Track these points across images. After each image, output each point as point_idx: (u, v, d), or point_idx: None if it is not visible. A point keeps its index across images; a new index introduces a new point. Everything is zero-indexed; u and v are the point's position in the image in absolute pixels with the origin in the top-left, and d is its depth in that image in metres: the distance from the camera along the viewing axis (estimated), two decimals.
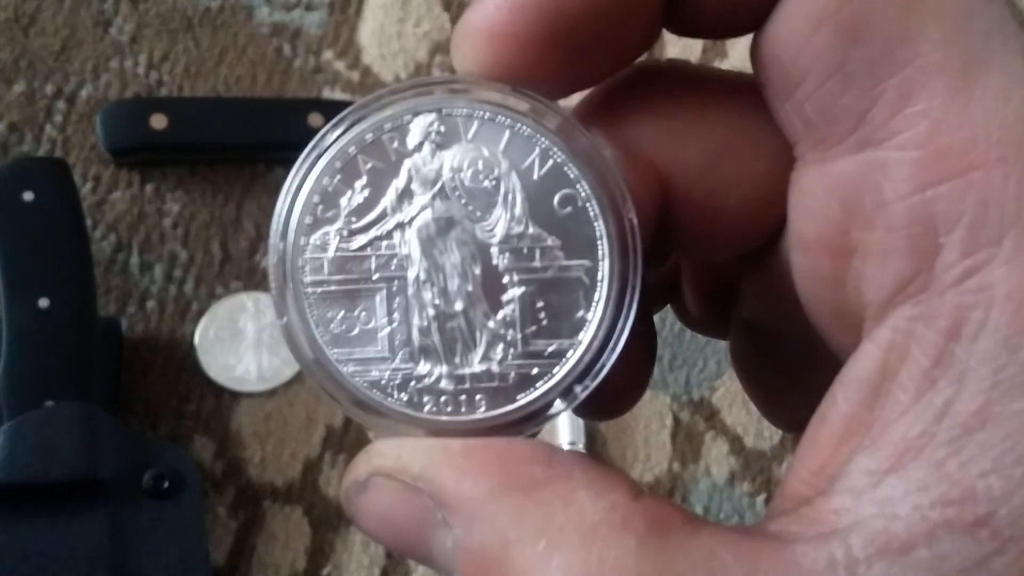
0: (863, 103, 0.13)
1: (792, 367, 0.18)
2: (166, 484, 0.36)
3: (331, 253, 0.14)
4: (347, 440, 0.41)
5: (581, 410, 0.15)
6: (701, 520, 0.13)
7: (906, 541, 0.13)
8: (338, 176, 0.15)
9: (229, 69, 0.46)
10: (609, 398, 0.15)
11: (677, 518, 0.13)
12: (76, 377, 0.36)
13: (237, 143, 0.44)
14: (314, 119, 0.45)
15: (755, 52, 0.15)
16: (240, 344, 0.42)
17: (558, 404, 0.14)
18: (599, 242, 0.14)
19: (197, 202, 0.44)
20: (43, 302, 0.35)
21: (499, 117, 0.14)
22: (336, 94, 0.47)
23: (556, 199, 0.14)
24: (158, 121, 0.42)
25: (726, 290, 0.18)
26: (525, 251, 0.14)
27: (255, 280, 0.43)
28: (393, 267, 0.14)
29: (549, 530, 0.12)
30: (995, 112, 0.13)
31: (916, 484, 0.13)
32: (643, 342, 0.16)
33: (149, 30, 0.46)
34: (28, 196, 0.36)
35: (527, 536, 0.12)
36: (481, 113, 0.15)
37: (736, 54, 0.55)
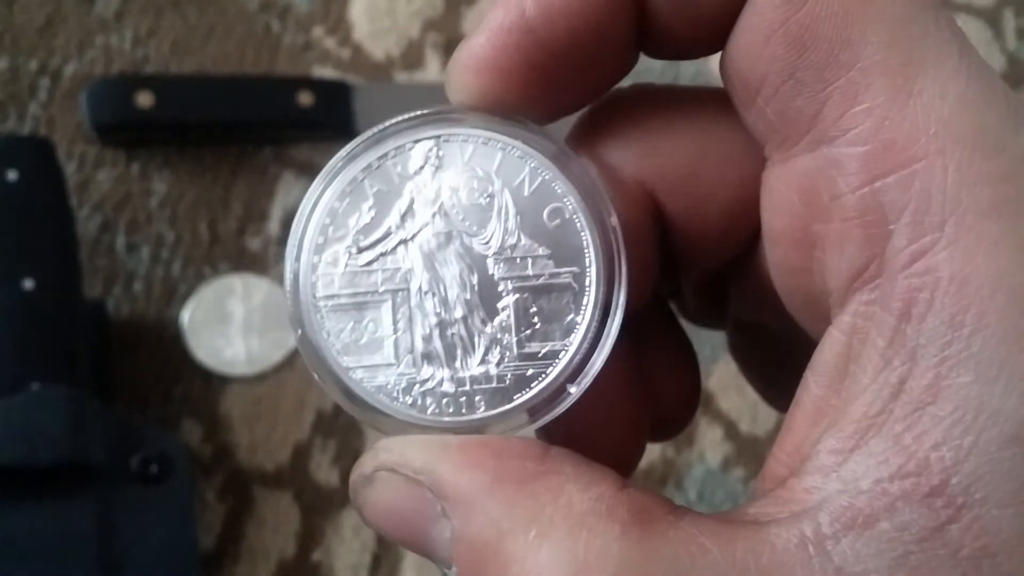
0: (814, 105, 0.15)
1: (783, 357, 0.19)
2: (154, 468, 0.36)
3: (341, 269, 0.15)
4: (337, 425, 0.41)
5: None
6: (683, 509, 0.14)
7: (869, 515, 0.13)
8: (347, 199, 0.16)
9: (217, 46, 0.46)
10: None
11: (660, 507, 0.14)
12: (62, 360, 0.35)
13: (225, 121, 0.43)
14: (304, 97, 0.44)
15: (722, 66, 0.16)
16: (228, 327, 0.41)
17: (554, 403, 0.15)
18: (586, 251, 0.15)
19: (184, 182, 0.43)
20: (28, 283, 0.35)
21: (491, 141, 0.16)
22: (326, 72, 0.47)
23: (545, 213, 0.16)
24: (144, 99, 0.41)
25: (720, 290, 0.20)
26: (518, 261, 0.15)
27: (244, 261, 0.42)
28: (398, 280, 0.15)
29: (540, 520, 0.13)
30: (933, 107, 0.14)
31: (877, 459, 0.14)
32: (630, 343, 0.17)
33: (135, 5, 0.45)
34: (12, 175, 0.36)
35: (519, 526, 0.13)
36: (475, 138, 0.16)
37: None
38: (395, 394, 0.15)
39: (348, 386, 0.15)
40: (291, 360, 0.41)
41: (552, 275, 0.15)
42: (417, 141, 0.16)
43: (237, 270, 0.42)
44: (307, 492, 0.40)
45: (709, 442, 0.45)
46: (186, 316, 0.41)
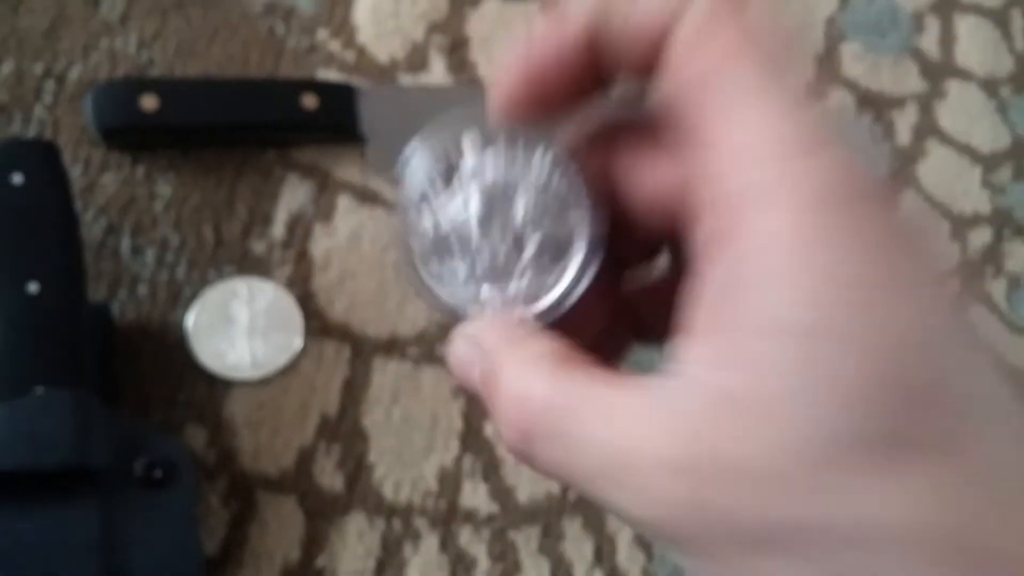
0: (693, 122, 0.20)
1: None
2: (158, 473, 0.36)
3: (427, 228, 0.24)
4: (341, 429, 0.41)
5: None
6: (611, 370, 0.20)
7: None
8: (425, 179, 0.24)
9: (221, 49, 0.45)
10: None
11: (589, 363, 0.20)
12: (66, 363, 0.35)
13: (230, 124, 0.43)
14: (308, 100, 0.44)
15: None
16: (233, 330, 0.41)
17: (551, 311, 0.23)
18: (582, 214, 0.23)
19: (189, 185, 0.43)
20: (32, 287, 0.35)
21: (518, 138, 0.23)
22: (330, 74, 0.46)
23: (553, 190, 0.23)
24: (149, 102, 0.41)
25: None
26: (540, 218, 0.23)
27: (248, 265, 0.42)
28: (463, 232, 0.23)
29: (516, 359, 0.21)
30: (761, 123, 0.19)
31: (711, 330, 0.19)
32: (604, 291, 0.24)
33: (139, 8, 0.45)
34: (17, 179, 0.36)
35: (506, 364, 0.21)
36: (507, 134, 0.23)
37: None
38: (465, 306, 0.23)
39: (439, 300, 0.23)
40: (295, 364, 0.41)
41: (558, 227, 0.23)
42: (467, 133, 0.24)
43: (241, 273, 0.42)
44: (311, 497, 0.40)
45: None
46: (190, 320, 0.41)
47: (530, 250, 0.23)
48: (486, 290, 0.23)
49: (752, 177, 0.18)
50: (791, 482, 0.17)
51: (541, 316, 0.23)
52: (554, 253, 0.23)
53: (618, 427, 0.19)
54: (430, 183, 0.24)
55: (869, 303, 0.17)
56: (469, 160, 0.23)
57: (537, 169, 0.23)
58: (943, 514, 0.17)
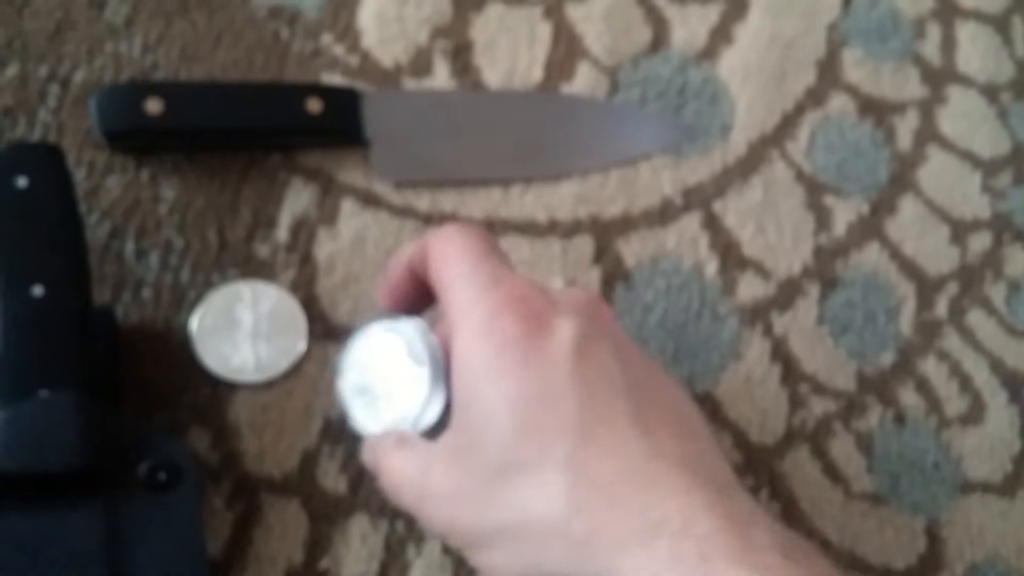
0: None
1: None
2: (162, 476, 0.36)
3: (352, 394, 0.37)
4: (345, 432, 0.41)
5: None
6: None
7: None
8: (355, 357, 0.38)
9: (226, 52, 0.46)
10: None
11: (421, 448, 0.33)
12: (71, 366, 0.35)
13: (234, 128, 0.43)
14: (312, 104, 0.44)
15: None
16: (237, 334, 0.41)
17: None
18: (429, 366, 0.34)
19: (193, 188, 0.43)
20: (37, 290, 0.35)
21: (392, 329, 0.36)
22: (335, 79, 0.47)
23: (415, 355, 0.34)
24: (154, 105, 0.41)
25: None
26: (402, 377, 0.35)
27: (252, 268, 0.42)
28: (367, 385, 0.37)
29: (388, 455, 0.34)
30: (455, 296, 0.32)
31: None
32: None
33: (144, 12, 0.45)
34: (22, 182, 0.36)
35: (383, 459, 0.34)
36: (385, 328, 0.36)
37: (741, 40, 0.55)
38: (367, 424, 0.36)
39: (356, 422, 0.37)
40: (299, 367, 0.41)
41: (416, 379, 0.34)
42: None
43: (245, 277, 0.42)
44: (315, 499, 0.40)
45: None
46: (194, 323, 0.41)
47: (401, 397, 0.34)
48: (384, 418, 0.35)
49: (454, 347, 0.31)
50: (473, 499, 0.29)
51: (417, 429, 0.33)
52: (409, 393, 0.34)
53: (425, 478, 0.31)
54: (349, 361, 0.37)
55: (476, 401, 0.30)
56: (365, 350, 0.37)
57: (408, 341, 0.34)
58: (554, 504, 0.27)
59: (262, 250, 0.43)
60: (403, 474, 0.32)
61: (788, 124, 0.53)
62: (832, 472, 0.46)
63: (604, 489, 0.27)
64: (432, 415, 0.33)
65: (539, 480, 0.27)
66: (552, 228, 0.47)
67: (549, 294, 0.31)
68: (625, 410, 0.28)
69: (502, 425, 0.28)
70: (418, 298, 0.35)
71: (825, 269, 0.50)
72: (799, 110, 0.53)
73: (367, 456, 0.35)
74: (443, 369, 0.33)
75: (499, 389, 0.28)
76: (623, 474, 0.27)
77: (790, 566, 0.24)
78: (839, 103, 0.54)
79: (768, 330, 0.48)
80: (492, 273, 0.31)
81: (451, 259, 0.32)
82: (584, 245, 0.47)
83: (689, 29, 0.53)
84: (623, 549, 0.26)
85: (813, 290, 0.50)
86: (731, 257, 0.49)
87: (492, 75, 0.49)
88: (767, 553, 0.25)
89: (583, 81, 0.50)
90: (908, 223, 0.53)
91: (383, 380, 0.35)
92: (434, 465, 0.30)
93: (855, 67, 0.55)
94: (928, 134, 0.55)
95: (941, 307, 0.51)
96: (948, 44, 0.58)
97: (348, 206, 0.45)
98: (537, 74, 0.50)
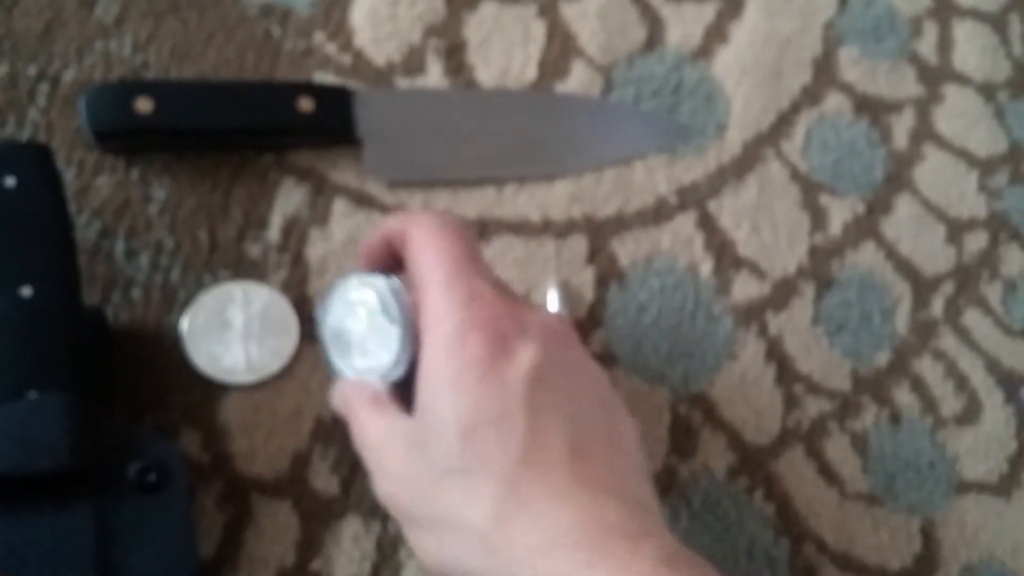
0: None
1: None
2: (152, 477, 0.36)
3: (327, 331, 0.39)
4: (336, 433, 0.41)
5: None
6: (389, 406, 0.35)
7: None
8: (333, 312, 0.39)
9: (217, 51, 0.45)
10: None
11: (391, 402, 0.35)
12: (60, 367, 0.35)
13: (225, 127, 0.43)
14: (304, 103, 0.44)
15: None
16: (228, 334, 0.41)
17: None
18: (400, 325, 0.36)
19: (184, 188, 0.43)
20: (26, 291, 0.35)
21: (367, 282, 0.37)
22: (327, 77, 0.46)
23: (389, 309, 0.36)
24: (144, 104, 0.41)
25: None
26: (376, 328, 0.37)
27: (243, 268, 0.42)
28: (342, 335, 0.38)
29: (360, 405, 0.36)
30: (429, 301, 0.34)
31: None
32: None
33: (135, 11, 0.45)
34: (10, 182, 0.36)
35: (354, 406, 0.36)
36: (359, 280, 0.38)
37: (736, 39, 0.54)
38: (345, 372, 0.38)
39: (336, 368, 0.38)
40: (290, 368, 0.41)
41: (387, 328, 0.36)
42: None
43: (236, 277, 0.42)
44: (306, 500, 0.40)
45: (712, 452, 0.45)
46: (185, 323, 0.40)
47: (374, 347, 0.37)
48: (356, 365, 0.37)
49: (423, 351, 0.33)
50: (417, 486, 0.32)
51: (386, 382, 0.36)
52: (383, 340, 0.36)
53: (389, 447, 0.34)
54: (326, 310, 0.38)
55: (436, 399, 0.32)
56: (346, 295, 0.38)
57: (377, 301, 0.37)
58: (483, 511, 0.30)
59: (253, 250, 0.43)
60: (366, 435, 0.34)
61: (783, 123, 0.52)
62: (827, 472, 0.46)
63: (527, 506, 0.30)
64: (399, 371, 0.35)
65: (474, 489, 0.30)
66: (546, 228, 0.47)
67: (519, 314, 0.33)
68: (564, 438, 0.31)
69: (452, 433, 0.31)
70: (393, 264, 0.37)
71: (820, 269, 0.50)
72: (795, 109, 0.53)
73: (337, 399, 0.37)
74: (412, 329, 0.35)
75: (456, 402, 0.31)
76: (547, 495, 0.30)
77: (667, 572, 0.28)
78: (835, 102, 0.54)
79: (763, 330, 0.48)
80: (467, 287, 0.33)
81: (430, 260, 0.34)
82: (578, 245, 0.47)
83: (684, 28, 0.53)
84: (530, 558, 0.29)
85: (808, 290, 0.49)
86: (726, 257, 0.49)
87: (486, 74, 0.49)
88: (647, 561, 0.28)
89: (577, 80, 0.50)
90: (904, 222, 0.52)
91: (356, 331, 0.37)
92: (395, 442, 0.33)
93: (851, 66, 0.55)
94: (924, 133, 0.55)
95: (937, 307, 0.51)
96: (945, 43, 0.58)
97: (340, 206, 0.44)
98: (531, 73, 0.50)
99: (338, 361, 0.38)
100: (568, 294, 0.45)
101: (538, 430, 0.31)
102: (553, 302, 0.39)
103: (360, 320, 0.37)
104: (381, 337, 0.36)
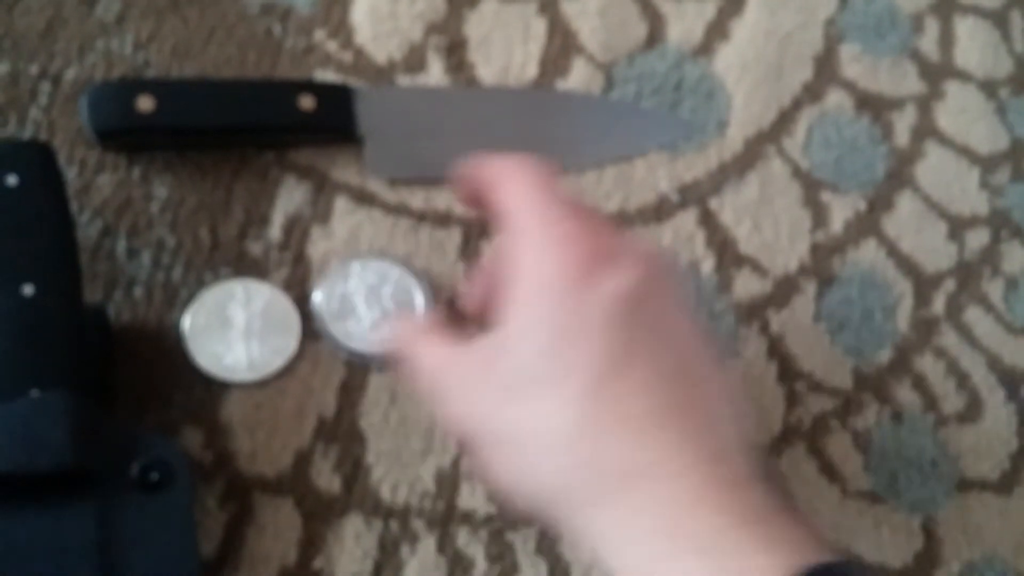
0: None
1: None
2: (155, 475, 0.36)
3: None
4: (338, 431, 0.41)
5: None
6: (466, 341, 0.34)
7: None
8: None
9: (218, 50, 0.45)
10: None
11: (452, 339, 0.35)
12: (62, 366, 0.35)
13: (226, 125, 0.43)
14: (305, 101, 0.44)
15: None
16: (229, 333, 0.41)
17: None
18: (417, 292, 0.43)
19: (185, 186, 0.43)
20: (28, 289, 0.35)
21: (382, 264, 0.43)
22: (328, 75, 0.46)
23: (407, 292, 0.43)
24: (145, 103, 0.41)
25: None
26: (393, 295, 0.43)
27: (245, 266, 0.42)
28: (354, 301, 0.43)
29: (416, 340, 0.36)
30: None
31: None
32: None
33: (135, 10, 0.45)
34: (12, 180, 0.36)
35: (411, 344, 0.36)
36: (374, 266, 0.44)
37: (737, 36, 0.54)
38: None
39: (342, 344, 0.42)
40: (292, 366, 0.41)
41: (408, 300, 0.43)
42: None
43: (238, 275, 0.42)
44: (308, 499, 0.40)
45: None
46: (187, 322, 0.41)
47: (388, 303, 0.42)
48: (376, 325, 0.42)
49: (520, 256, 0.32)
50: (494, 398, 0.32)
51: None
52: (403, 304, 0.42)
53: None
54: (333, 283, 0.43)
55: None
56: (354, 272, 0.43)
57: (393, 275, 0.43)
58: (567, 417, 0.30)
59: (255, 248, 0.43)
60: (428, 362, 0.34)
61: (785, 120, 0.52)
62: (829, 470, 0.46)
63: (611, 424, 0.30)
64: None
65: (559, 397, 0.30)
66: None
67: (627, 239, 0.33)
68: (651, 368, 0.31)
69: (541, 339, 0.31)
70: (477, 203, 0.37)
71: (822, 266, 0.50)
72: (796, 106, 0.53)
73: (391, 340, 0.37)
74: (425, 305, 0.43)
75: (549, 309, 0.31)
76: (631, 417, 0.30)
77: (772, 519, 0.28)
78: (836, 99, 0.54)
79: (764, 327, 0.48)
80: (567, 203, 0.33)
81: (528, 186, 0.33)
82: None
83: (685, 25, 0.53)
84: (612, 484, 0.29)
85: (810, 287, 0.49)
86: (727, 254, 0.49)
87: (486, 71, 0.49)
88: (755, 511, 0.28)
89: (578, 77, 0.50)
90: (905, 220, 0.52)
91: (366, 308, 0.42)
92: (461, 362, 0.33)
93: (852, 63, 0.55)
94: (926, 130, 0.55)
95: (938, 304, 0.51)
96: (946, 39, 0.58)
97: (341, 204, 0.44)
98: (532, 70, 0.50)
99: (344, 336, 0.42)
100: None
101: (625, 351, 0.30)
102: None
103: (369, 300, 0.42)
104: (383, 311, 0.42)
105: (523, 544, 0.41)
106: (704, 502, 0.28)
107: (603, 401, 0.30)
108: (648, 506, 0.29)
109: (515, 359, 0.31)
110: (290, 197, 0.44)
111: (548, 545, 0.41)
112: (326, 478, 0.40)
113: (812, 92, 0.54)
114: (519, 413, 0.31)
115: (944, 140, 0.55)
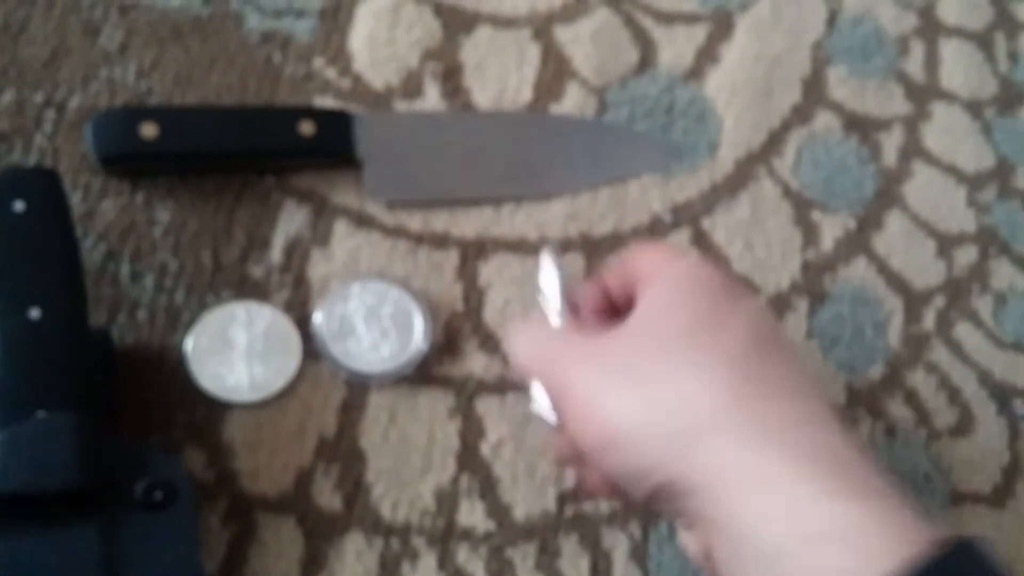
0: None
1: None
2: (158, 495, 0.36)
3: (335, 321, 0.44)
4: (339, 450, 0.41)
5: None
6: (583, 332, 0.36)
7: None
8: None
9: (219, 77, 0.46)
10: None
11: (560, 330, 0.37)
12: (68, 388, 0.35)
13: (228, 151, 0.44)
14: (305, 127, 0.44)
15: None
16: (231, 354, 0.41)
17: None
18: (417, 317, 0.44)
19: (188, 211, 0.44)
20: (34, 313, 0.35)
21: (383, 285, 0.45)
22: (327, 101, 0.47)
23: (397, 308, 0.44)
24: (148, 130, 0.42)
25: None
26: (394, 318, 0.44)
27: (246, 289, 0.43)
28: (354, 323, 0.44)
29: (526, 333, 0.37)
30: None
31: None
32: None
33: (138, 38, 0.46)
34: (19, 206, 0.36)
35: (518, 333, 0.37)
36: (372, 286, 0.45)
37: (727, 60, 0.55)
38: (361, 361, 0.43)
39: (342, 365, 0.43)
40: (293, 386, 0.42)
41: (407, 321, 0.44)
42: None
43: (240, 297, 0.43)
44: (310, 517, 0.40)
45: None
46: (189, 343, 0.41)
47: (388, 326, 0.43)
48: (380, 350, 0.43)
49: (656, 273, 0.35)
50: (633, 384, 0.32)
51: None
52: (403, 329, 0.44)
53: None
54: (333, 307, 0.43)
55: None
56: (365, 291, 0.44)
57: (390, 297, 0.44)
58: (726, 402, 0.31)
59: (256, 271, 0.43)
60: (536, 342, 0.36)
61: (774, 141, 0.53)
62: None
63: (762, 385, 0.31)
64: (424, 346, 0.44)
65: (707, 371, 0.31)
66: (543, 246, 0.47)
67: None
68: (786, 361, 0.32)
69: (685, 317, 0.32)
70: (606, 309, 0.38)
71: (813, 284, 0.51)
72: (785, 127, 0.54)
73: (514, 346, 0.37)
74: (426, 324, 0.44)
75: (693, 296, 0.33)
76: (780, 384, 0.31)
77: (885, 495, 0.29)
78: (824, 120, 0.55)
79: None
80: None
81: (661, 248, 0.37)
82: (575, 263, 0.48)
83: (676, 49, 0.54)
84: (773, 426, 0.30)
85: (802, 305, 0.50)
86: None
87: (482, 96, 0.50)
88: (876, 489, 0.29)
89: (572, 101, 0.51)
90: (894, 238, 0.53)
91: (366, 329, 0.43)
92: (607, 337, 0.34)
93: (840, 85, 0.56)
94: (913, 150, 0.56)
95: (929, 320, 0.52)
96: (931, 61, 0.59)
97: (341, 227, 0.45)
98: (526, 95, 0.50)
99: (344, 356, 0.43)
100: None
101: (758, 350, 0.32)
102: (548, 266, 0.39)
103: (361, 317, 0.43)
104: (382, 331, 0.43)
105: (523, 560, 0.42)
106: (854, 449, 0.30)
107: (752, 367, 0.31)
108: (810, 450, 0.29)
109: (659, 339, 0.32)
110: (290, 220, 0.45)
111: (547, 561, 0.42)
112: (327, 496, 0.41)
113: (801, 114, 0.55)
114: (663, 392, 0.31)
115: (931, 159, 0.56)
